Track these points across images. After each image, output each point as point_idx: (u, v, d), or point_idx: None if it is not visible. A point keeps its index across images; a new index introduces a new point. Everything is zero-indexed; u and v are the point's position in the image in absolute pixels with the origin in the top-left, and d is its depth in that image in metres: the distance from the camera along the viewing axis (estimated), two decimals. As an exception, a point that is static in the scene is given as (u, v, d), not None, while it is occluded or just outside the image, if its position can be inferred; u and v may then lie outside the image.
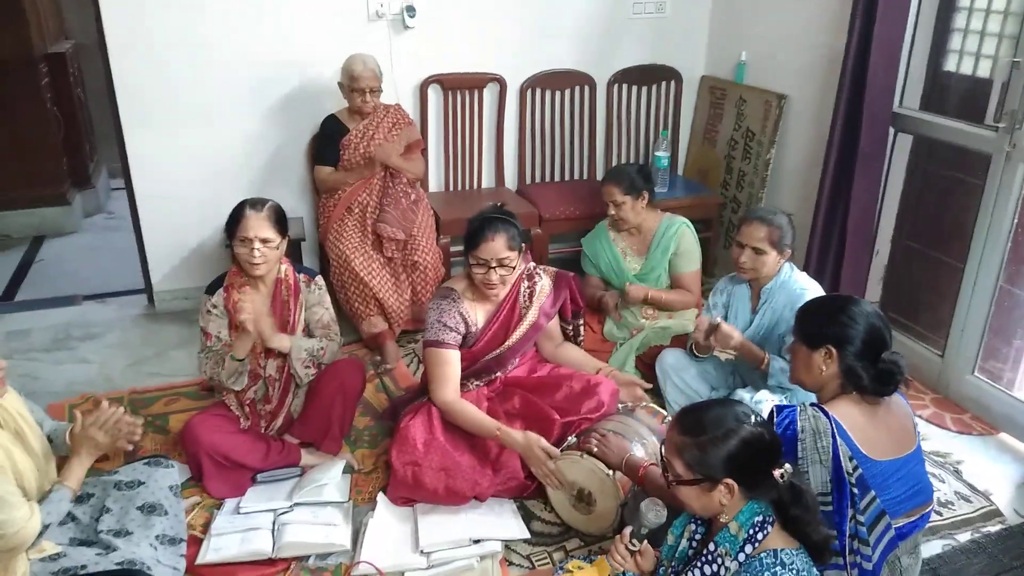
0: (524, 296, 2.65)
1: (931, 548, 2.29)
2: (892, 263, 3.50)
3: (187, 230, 3.64)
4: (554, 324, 2.78)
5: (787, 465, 1.54)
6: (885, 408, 1.90)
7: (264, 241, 2.40)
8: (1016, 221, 2.87)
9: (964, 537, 2.40)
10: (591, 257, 3.37)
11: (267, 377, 2.55)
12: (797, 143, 3.73)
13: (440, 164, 3.96)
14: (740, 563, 1.51)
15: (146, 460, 2.34)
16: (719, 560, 1.54)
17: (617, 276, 3.30)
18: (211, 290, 2.52)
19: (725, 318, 2.78)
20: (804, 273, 2.71)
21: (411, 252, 3.36)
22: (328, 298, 2.66)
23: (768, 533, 1.52)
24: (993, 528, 2.44)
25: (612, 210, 3.20)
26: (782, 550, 1.49)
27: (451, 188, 4.01)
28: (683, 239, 3.22)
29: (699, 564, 1.58)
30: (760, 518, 1.53)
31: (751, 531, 1.52)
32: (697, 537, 1.68)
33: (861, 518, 1.77)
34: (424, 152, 3.71)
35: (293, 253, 3.48)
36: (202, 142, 3.55)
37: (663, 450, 1.63)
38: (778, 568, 1.46)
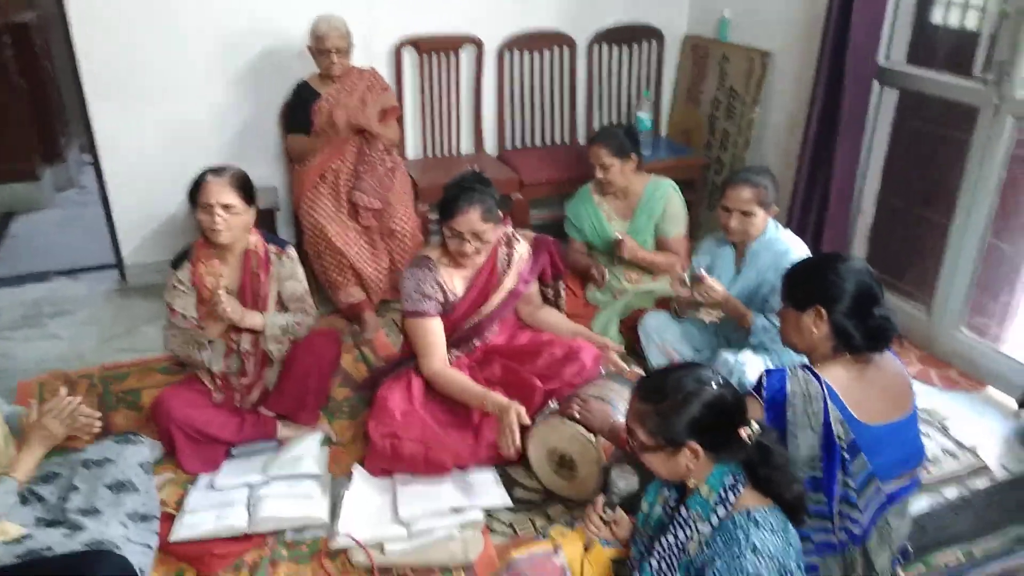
0: (502, 262, 2.59)
1: (918, 505, 2.26)
2: (878, 221, 3.45)
3: (157, 203, 3.55)
4: (533, 288, 2.73)
5: (754, 424, 1.50)
6: (879, 370, 1.85)
7: (226, 207, 2.31)
8: (1004, 175, 2.82)
9: (951, 493, 2.37)
10: (575, 221, 3.31)
11: (242, 352, 2.48)
12: (781, 101, 3.66)
13: (417, 130, 3.87)
14: (713, 526, 1.47)
15: (115, 437, 2.28)
16: (692, 524, 1.51)
17: (602, 240, 3.24)
18: (176, 263, 2.44)
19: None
20: (788, 231, 2.66)
21: (388, 220, 3.28)
22: (301, 270, 2.58)
23: (740, 494, 1.48)
24: (980, 484, 2.42)
25: (599, 173, 3.13)
26: (755, 509, 1.46)
27: (429, 154, 3.92)
28: (670, 202, 3.17)
29: (672, 529, 1.55)
30: (730, 479, 1.50)
31: (722, 493, 1.49)
32: (671, 503, 1.64)
33: (851, 483, 1.73)
34: (400, 118, 3.62)
35: (267, 224, 3.40)
36: (170, 112, 3.45)
37: (627, 418, 1.59)
38: (751, 527, 1.43)
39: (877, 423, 1.78)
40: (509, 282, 2.59)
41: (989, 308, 3.06)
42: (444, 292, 2.50)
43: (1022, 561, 2.15)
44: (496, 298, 2.58)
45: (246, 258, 2.46)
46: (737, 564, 1.39)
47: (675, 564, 1.52)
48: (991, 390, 2.88)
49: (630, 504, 1.72)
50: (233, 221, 2.34)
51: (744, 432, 1.49)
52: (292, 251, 2.56)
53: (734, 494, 1.49)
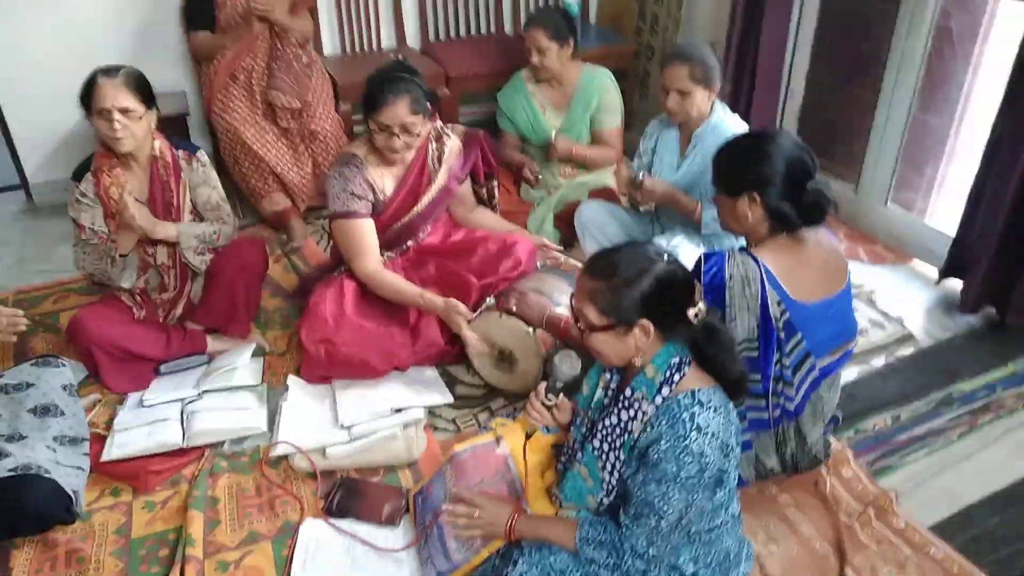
0: (433, 159, 2.49)
1: (847, 375, 2.33)
2: (808, 100, 3.42)
3: (58, 116, 3.27)
4: (466, 188, 2.65)
5: (700, 304, 1.49)
6: (815, 247, 1.84)
7: (123, 111, 2.14)
8: (929, 46, 2.81)
9: (879, 362, 2.46)
10: (507, 112, 3.20)
11: (159, 265, 2.36)
12: (710, -21, 3.55)
13: (333, 23, 3.64)
14: (657, 406, 1.47)
15: (33, 361, 2.18)
16: (635, 404, 1.50)
17: (536, 132, 3.15)
18: (78, 176, 2.28)
19: (651, 165, 2.68)
20: (736, 115, 2.59)
21: (308, 121, 3.12)
22: (215, 175, 2.44)
23: (685, 374, 1.48)
24: (906, 351, 2.51)
25: (535, 58, 3.01)
26: (699, 390, 1.46)
27: (348, 50, 3.71)
28: (605, 92, 3.08)
29: (615, 410, 1.54)
30: (677, 359, 1.49)
31: (667, 373, 1.48)
32: (613, 385, 1.63)
33: (787, 361, 1.76)
34: (313, 10, 3.40)
35: (179, 131, 3.20)
36: (61, 16, 3.18)
37: (573, 300, 1.55)
38: (696, 408, 1.43)
39: (812, 301, 1.79)
40: (440, 178, 2.50)
41: (914, 182, 3.10)
42: (373, 191, 2.40)
43: (945, 421, 2.25)
44: (427, 196, 2.49)
45: (153, 166, 2.30)
46: (682, 444, 1.40)
47: (618, 444, 1.52)
48: (915, 263, 2.96)
49: (570, 390, 1.71)
50: (133, 126, 2.17)
51: (692, 312, 1.47)
52: (203, 155, 2.41)
53: (679, 374, 1.48)
